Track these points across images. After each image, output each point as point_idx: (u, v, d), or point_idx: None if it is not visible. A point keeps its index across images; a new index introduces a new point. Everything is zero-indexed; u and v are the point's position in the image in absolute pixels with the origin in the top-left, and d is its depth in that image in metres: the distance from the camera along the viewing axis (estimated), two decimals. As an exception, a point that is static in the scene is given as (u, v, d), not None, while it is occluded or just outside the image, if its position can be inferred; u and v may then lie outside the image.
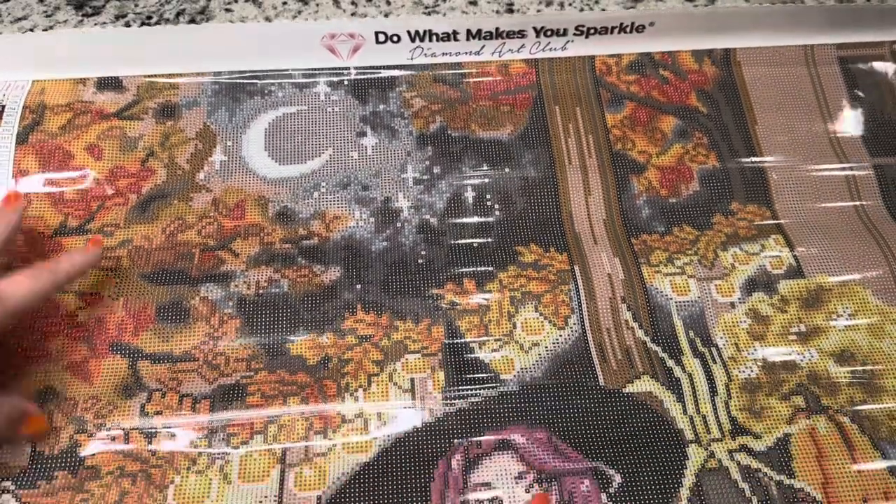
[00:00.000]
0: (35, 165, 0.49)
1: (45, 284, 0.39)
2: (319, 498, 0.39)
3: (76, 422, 0.41)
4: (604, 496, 0.39)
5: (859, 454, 0.41)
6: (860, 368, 0.44)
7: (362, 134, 0.52)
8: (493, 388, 0.43)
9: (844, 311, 0.46)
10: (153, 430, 0.41)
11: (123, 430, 0.41)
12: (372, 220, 0.50)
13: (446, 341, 0.45)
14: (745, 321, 0.46)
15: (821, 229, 0.50)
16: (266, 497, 0.39)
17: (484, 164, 0.51)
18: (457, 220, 0.50)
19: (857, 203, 0.51)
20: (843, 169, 0.52)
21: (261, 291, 0.46)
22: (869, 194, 0.52)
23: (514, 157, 0.52)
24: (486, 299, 0.46)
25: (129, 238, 0.48)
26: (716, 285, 0.47)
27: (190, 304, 0.45)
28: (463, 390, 0.43)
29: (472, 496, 0.39)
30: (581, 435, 0.42)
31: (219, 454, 0.40)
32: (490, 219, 0.50)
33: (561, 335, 0.45)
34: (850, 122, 0.54)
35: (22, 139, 0.49)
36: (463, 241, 0.49)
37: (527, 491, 0.40)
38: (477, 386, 0.43)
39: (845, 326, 0.46)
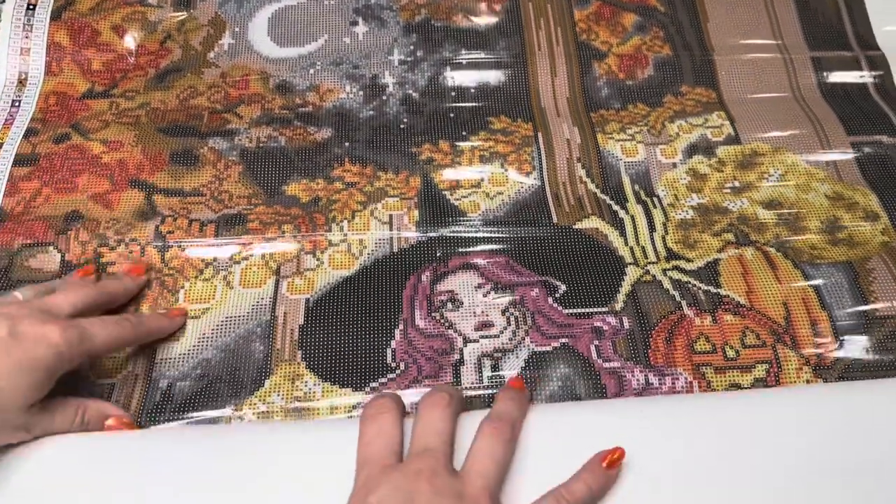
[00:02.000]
0: (66, 39, 0.56)
1: (127, 334, 0.40)
2: (308, 300, 0.46)
3: (99, 237, 0.48)
4: (550, 300, 0.46)
5: (781, 273, 0.47)
6: (786, 212, 0.50)
7: (354, 23, 0.59)
8: (460, 223, 0.49)
9: (775, 172, 0.53)
10: (166, 246, 0.48)
11: (140, 245, 0.48)
12: (361, 93, 0.56)
13: (421, 188, 0.51)
14: (684, 178, 0.52)
15: (760, 107, 0.56)
16: (262, 298, 0.46)
17: (462, 49, 0.58)
18: (435, 96, 0.56)
19: (796, 89, 0.58)
20: (785, 60, 0.59)
21: (261, 145, 0.53)
22: (806, 82, 0.58)
23: (489, 44, 0.59)
24: (458, 157, 0.53)
25: (148, 101, 0.55)
26: (661, 149, 0.54)
27: (199, 151, 0.52)
28: (434, 225, 0.49)
29: (436, 299, 0.46)
30: (534, 259, 0.48)
31: (222, 266, 0.47)
32: (465, 95, 0.56)
33: (522, 186, 0.52)
34: (793, 19, 0.60)
35: (55, 16, 0.56)
36: (440, 112, 0.55)
37: (484, 296, 0.46)
38: (446, 222, 0.49)
39: (775, 183, 0.52)
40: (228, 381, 0.42)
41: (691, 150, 0.53)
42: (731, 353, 0.43)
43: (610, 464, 0.35)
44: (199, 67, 0.56)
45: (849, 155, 0.54)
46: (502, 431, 0.36)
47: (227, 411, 0.41)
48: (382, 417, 0.36)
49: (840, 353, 0.43)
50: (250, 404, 0.41)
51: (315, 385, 0.42)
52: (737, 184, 0.52)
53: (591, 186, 0.52)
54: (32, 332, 0.35)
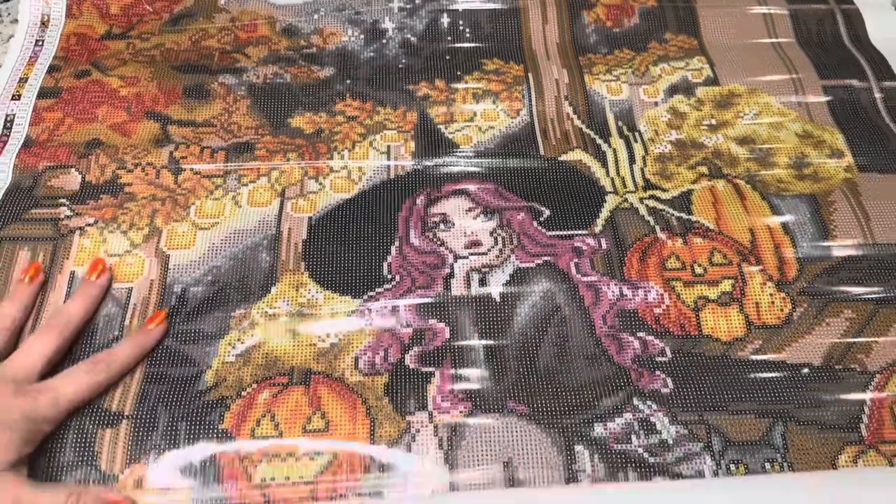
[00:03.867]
0: (86, -18, 0.59)
1: (100, 378, 0.40)
2: (310, 218, 0.50)
3: (117, 161, 0.52)
4: (535, 223, 0.50)
5: (749, 203, 0.51)
6: (758, 148, 0.54)
7: (357, -29, 0.62)
8: (453, 154, 0.53)
9: (751, 112, 0.56)
10: (179, 169, 0.52)
11: (155, 168, 0.52)
12: (362, 36, 0.60)
13: (418, 122, 0.55)
14: (665, 115, 0.56)
15: (739, 53, 0.60)
16: (268, 216, 0.50)
17: (458, -3, 0.62)
18: (432, 40, 0.60)
19: (774, 38, 0.61)
20: (765, 15, 0.62)
21: (268, 81, 0.57)
22: (783, 32, 0.62)
23: (484, -7, 0.62)
24: (453, 95, 0.57)
25: (162, 42, 0.59)
26: (643, 89, 0.57)
27: (210, 87, 0.56)
28: (429, 155, 0.53)
29: (429, 220, 0.50)
30: (521, 187, 0.52)
31: (231, 187, 0.51)
32: (460, 39, 0.60)
33: (512, 122, 0.55)
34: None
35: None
36: (436, 54, 0.59)
37: (474, 219, 0.50)
38: (441, 153, 0.53)
39: (750, 121, 0.56)
40: (238, 287, 0.46)
41: (672, 91, 0.57)
42: (699, 270, 0.47)
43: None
44: (210, 13, 0.60)
45: (820, 97, 0.57)
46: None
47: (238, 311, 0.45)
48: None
49: (801, 273, 0.47)
50: (258, 308, 0.45)
51: (317, 293, 0.46)
52: (713, 121, 0.55)
53: (577, 122, 0.55)
54: (7, 399, 0.36)
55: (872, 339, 0.44)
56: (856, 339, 0.44)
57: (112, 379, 0.40)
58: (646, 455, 0.40)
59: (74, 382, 0.39)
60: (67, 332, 0.41)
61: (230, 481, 0.38)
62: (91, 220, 0.48)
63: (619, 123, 0.55)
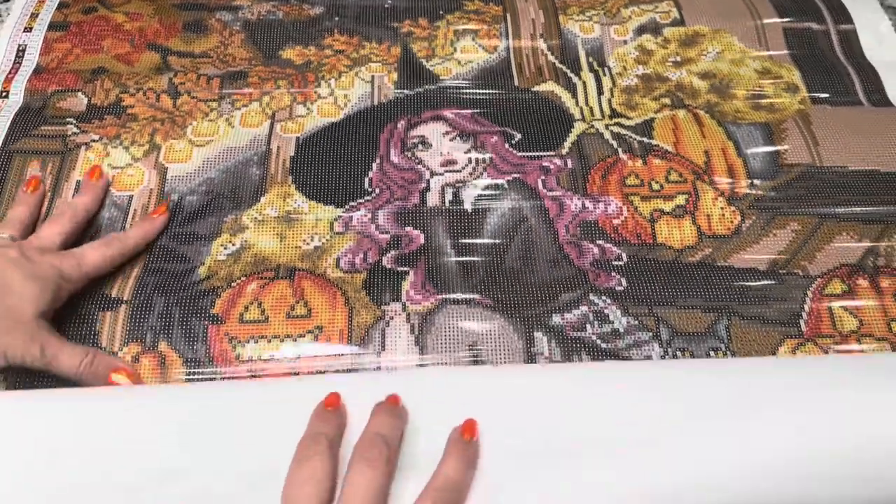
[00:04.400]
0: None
1: (115, 251, 0.44)
2: (298, 138, 0.54)
3: (121, 86, 0.56)
4: (507, 145, 0.54)
5: (707, 129, 0.55)
6: (718, 82, 0.58)
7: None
8: (433, 84, 0.57)
9: (714, 50, 0.60)
10: (177, 93, 0.56)
11: (156, 92, 0.56)
12: (351, -22, 0.64)
13: (401, 56, 0.59)
14: (633, 52, 0.60)
15: (706, 2, 0.63)
16: (259, 135, 0.54)
17: (442, -57, 0.65)
18: (418, -17, 0.64)
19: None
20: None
21: (261, 17, 0.61)
22: (750, -21, 0.65)
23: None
24: (435, 32, 0.60)
25: (163, -17, 0.63)
26: (614, 28, 0.61)
27: (208, 22, 0.60)
28: (410, 86, 0.57)
29: (409, 141, 0.54)
30: (495, 114, 0.56)
31: (225, 111, 0.55)
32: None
33: (490, 57, 0.59)
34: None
35: None
36: (421, -4, 0.63)
37: (451, 141, 0.54)
38: (422, 83, 0.57)
39: (713, 58, 0.59)
40: (230, 196, 0.50)
41: (641, 30, 0.61)
42: (656, 186, 0.51)
43: (468, 433, 0.36)
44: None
45: (780, 38, 0.61)
46: (376, 459, 0.33)
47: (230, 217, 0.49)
48: (315, 461, 0.33)
49: (751, 190, 0.51)
50: (248, 215, 0.49)
51: (303, 202, 0.50)
52: (678, 58, 0.59)
53: (551, 58, 0.59)
54: (38, 258, 0.40)
55: (815, 249, 0.48)
56: (800, 249, 0.48)
57: (124, 255, 0.45)
58: (599, 342, 0.44)
59: (93, 252, 0.43)
60: (77, 218, 0.45)
61: (220, 358, 0.42)
62: (96, 137, 0.52)
63: (590, 59, 0.59)
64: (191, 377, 0.42)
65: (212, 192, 0.50)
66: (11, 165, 0.50)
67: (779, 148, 0.53)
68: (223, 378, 0.42)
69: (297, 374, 0.42)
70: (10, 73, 0.56)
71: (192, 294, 0.45)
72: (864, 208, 0.50)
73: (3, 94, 0.54)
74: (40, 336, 0.38)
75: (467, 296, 0.45)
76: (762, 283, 0.46)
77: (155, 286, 0.45)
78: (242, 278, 0.46)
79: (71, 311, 0.43)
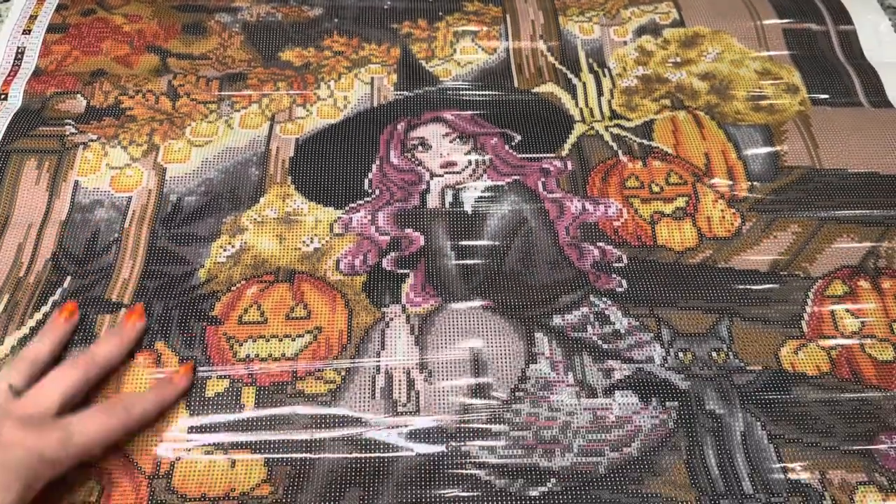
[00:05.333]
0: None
1: (119, 425, 0.37)
2: (297, 139, 0.54)
3: (120, 88, 0.56)
4: (507, 147, 0.54)
5: (707, 131, 0.55)
6: (718, 83, 0.58)
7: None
8: (432, 86, 0.57)
9: (714, 51, 0.60)
10: (177, 95, 0.55)
11: (155, 94, 0.55)
12: (350, -20, 0.64)
13: (401, 57, 0.59)
14: (633, 53, 0.60)
15: (706, 3, 0.63)
16: (258, 136, 0.54)
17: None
18: (417, -15, 0.64)
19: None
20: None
21: (260, 19, 0.61)
22: (750, -20, 0.65)
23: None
24: (434, 33, 0.60)
25: (162, -14, 0.63)
26: (614, 29, 0.61)
27: (207, 24, 0.60)
28: (410, 87, 0.57)
29: (409, 143, 0.54)
30: (495, 115, 0.56)
31: (225, 112, 0.55)
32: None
33: (489, 58, 0.59)
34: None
35: None
36: (420, -3, 0.63)
37: (450, 142, 0.54)
38: (421, 85, 0.57)
39: (713, 59, 0.59)
40: (229, 197, 0.50)
41: (641, 31, 0.61)
42: (656, 189, 0.51)
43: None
44: (207, -42, 0.64)
45: (780, 39, 0.61)
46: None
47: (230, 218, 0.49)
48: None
49: (751, 193, 0.51)
50: (247, 216, 0.49)
51: (303, 203, 0.50)
52: (678, 59, 0.59)
53: (551, 59, 0.59)
54: (13, 437, 0.34)
55: (816, 251, 0.48)
56: (801, 251, 0.48)
57: (129, 425, 0.38)
58: (600, 342, 0.44)
59: (89, 422, 0.36)
60: (92, 373, 0.39)
61: (217, 357, 0.42)
62: (94, 137, 0.52)
63: (590, 60, 0.59)
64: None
65: (211, 192, 0.50)
66: (8, 164, 0.50)
67: (778, 149, 0.53)
68: (219, 377, 0.42)
69: (295, 373, 0.42)
70: (8, 75, 0.55)
71: (192, 298, 0.45)
72: (864, 211, 0.50)
73: (2, 96, 0.54)
74: None
75: (468, 298, 0.45)
76: (763, 284, 0.46)
77: (154, 290, 0.45)
78: (242, 282, 0.45)
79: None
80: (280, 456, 0.39)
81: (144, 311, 0.44)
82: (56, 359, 0.41)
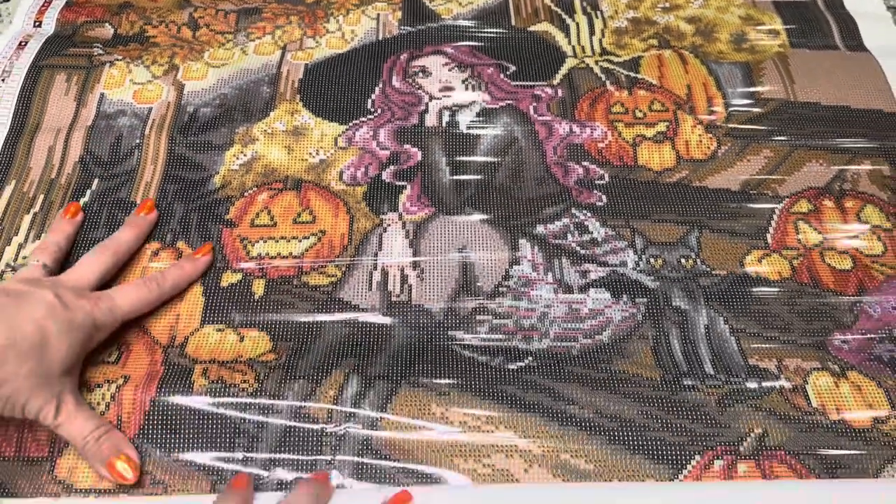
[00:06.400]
0: None
1: (152, 297, 0.42)
2: (307, 64, 0.58)
3: (144, 18, 0.60)
4: (502, 75, 0.58)
5: (690, 66, 0.58)
6: (703, 27, 0.61)
7: None
8: (435, 23, 0.61)
9: (701, -2, 0.64)
10: (197, 26, 0.60)
11: (177, 24, 0.60)
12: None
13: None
14: (625, -2, 0.64)
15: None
16: (270, 61, 0.58)
17: None
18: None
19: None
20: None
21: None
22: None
23: None
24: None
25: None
26: (608, -24, 0.65)
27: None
28: (413, 23, 0.61)
29: (410, 70, 0.58)
30: (492, 49, 0.59)
31: (241, 41, 0.59)
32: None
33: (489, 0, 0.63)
34: None
35: None
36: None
37: (449, 71, 0.58)
38: (424, 21, 0.61)
39: (699, 6, 0.63)
40: (241, 110, 0.54)
41: (632, -23, 0.64)
42: (639, 114, 0.55)
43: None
44: None
45: (764, -13, 0.64)
46: None
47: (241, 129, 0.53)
48: None
49: (727, 123, 0.55)
50: (258, 128, 0.53)
51: (309, 118, 0.54)
52: (667, 4, 0.63)
53: (546, 1, 0.63)
54: (74, 302, 0.38)
55: (786, 174, 0.52)
56: (772, 173, 0.51)
57: (162, 297, 0.43)
58: (578, 248, 0.48)
59: (129, 295, 0.41)
60: (119, 254, 0.44)
61: (232, 255, 0.47)
62: (119, 57, 0.56)
63: (584, 3, 0.63)
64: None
65: (224, 105, 0.54)
66: (40, 77, 0.54)
67: (758, 88, 0.56)
68: (233, 271, 0.46)
69: (301, 269, 0.46)
70: (42, 5, 0.60)
71: (209, 202, 0.49)
72: (833, 140, 0.53)
73: (37, 23, 0.58)
74: (61, 397, 0.36)
75: (459, 208, 0.49)
76: (734, 203, 0.50)
77: (175, 193, 0.49)
78: (254, 188, 0.50)
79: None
80: (284, 333, 0.43)
81: (166, 212, 0.48)
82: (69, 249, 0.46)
